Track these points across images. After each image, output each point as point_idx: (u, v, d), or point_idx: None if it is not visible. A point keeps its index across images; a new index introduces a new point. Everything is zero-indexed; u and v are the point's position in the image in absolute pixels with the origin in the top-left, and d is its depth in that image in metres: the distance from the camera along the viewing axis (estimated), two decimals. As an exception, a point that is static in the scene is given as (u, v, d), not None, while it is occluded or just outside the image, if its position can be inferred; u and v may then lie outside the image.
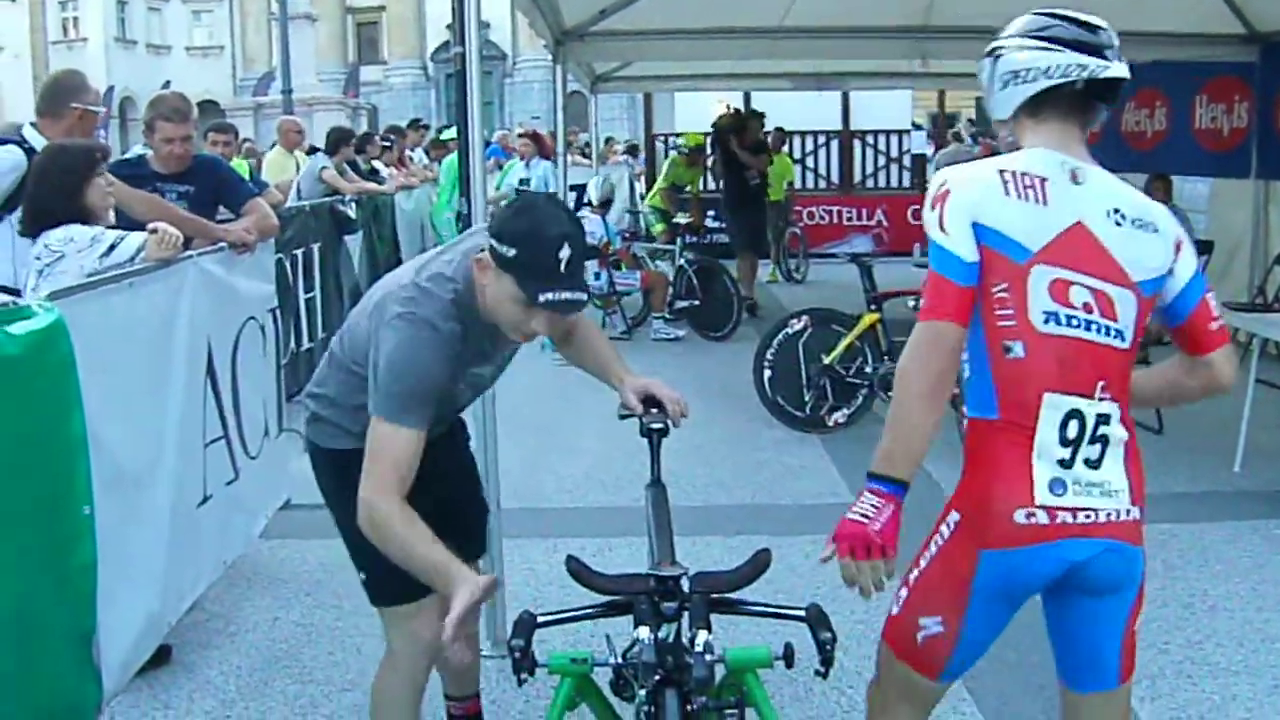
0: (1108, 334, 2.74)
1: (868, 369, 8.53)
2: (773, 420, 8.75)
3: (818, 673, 2.98)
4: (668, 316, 12.63)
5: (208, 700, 4.66)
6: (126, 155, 6.86)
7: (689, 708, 2.88)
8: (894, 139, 21.14)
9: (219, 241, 5.42)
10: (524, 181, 13.88)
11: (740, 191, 14.13)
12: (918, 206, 18.34)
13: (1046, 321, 2.69)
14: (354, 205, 10.68)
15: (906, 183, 20.71)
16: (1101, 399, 2.72)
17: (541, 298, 2.88)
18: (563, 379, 8.81)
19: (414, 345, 3.00)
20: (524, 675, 3.19)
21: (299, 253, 8.69)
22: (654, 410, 3.65)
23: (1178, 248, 2.81)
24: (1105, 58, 2.74)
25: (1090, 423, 2.71)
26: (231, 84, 59.89)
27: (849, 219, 19.73)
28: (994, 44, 2.89)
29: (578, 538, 6.18)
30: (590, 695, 3.74)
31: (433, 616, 3.18)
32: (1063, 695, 3.00)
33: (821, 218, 19.44)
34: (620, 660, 3.16)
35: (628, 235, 14.34)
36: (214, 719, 4.52)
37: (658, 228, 14.83)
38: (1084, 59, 2.73)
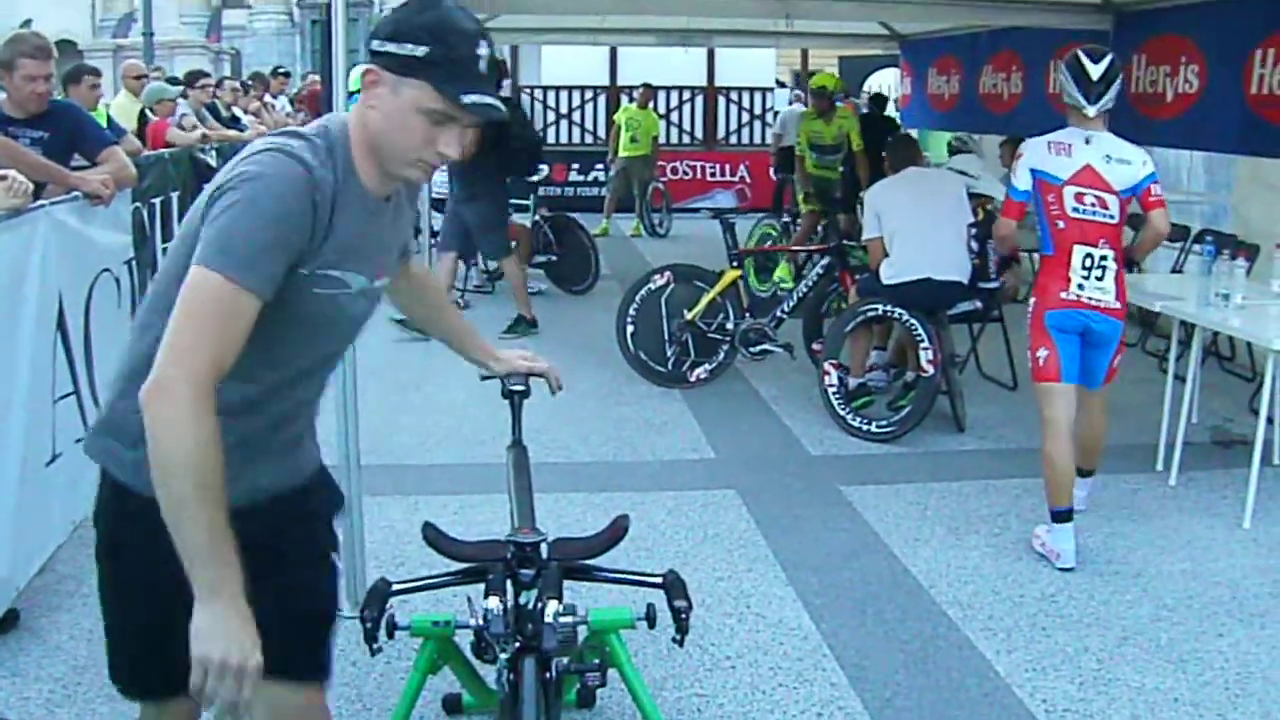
0: (1105, 216, 5.39)
1: (729, 325, 8.57)
2: (635, 375, 8.76)
3: (674, 640, 3.03)
4: (527, 270, 12.28)
5: (57, 666, 4.48)
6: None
7: (548, 675, 2.89)
8: (758, 96, 21.22)
9: (73, 190, 5.25)
10: None
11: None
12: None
13: (1075, 211, 5.38)
14: (214, 153, 10.44)
15: (769, 140, 20.81)
16: (1102, 249, 5.39)
17: (467, 98, 2.28)
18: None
19: (275, 178, 2.28)
20: (377, 646, 3.18)
21: (157, 201, 8.46)
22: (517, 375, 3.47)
23: (1143, 164, 5.41)
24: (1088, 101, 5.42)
25: (1096, 258, 5.39)
26: (91, 24, 57.82)
27: (712, 174, 19.82)
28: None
29: (438, 495, 6.15)
30: (452, 657, 3.76)
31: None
32: (1079, 392, 5.56)
33: (685, 173, 19.51)
34: (482, 623, 3.17)
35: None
36: (64, 685, 4.34)
37: (804, 208, 12.36)
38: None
